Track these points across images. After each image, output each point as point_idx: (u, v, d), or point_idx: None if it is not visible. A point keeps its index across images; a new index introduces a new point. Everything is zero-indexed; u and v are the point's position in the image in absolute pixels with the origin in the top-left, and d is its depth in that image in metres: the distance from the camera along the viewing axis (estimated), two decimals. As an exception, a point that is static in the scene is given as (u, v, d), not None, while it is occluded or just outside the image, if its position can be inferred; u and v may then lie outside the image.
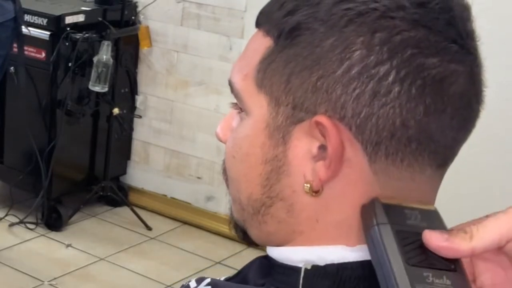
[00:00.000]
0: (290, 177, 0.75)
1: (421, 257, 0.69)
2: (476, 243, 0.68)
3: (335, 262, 0.73)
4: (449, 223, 0.75)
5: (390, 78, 0.70)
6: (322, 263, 0.74)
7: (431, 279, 0.68)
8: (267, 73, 0.75)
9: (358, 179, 0.73)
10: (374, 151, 0.72)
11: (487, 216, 0.72)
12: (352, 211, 0.74)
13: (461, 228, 0.70)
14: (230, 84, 0.79)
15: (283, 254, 0.77)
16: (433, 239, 0.69)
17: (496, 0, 3.04)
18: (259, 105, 0.76)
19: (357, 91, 0.71)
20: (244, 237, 0.83)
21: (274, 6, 0.76)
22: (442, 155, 0.74)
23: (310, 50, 0.72)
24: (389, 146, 0.71)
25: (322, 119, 0.71)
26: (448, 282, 0.69)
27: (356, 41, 0.71)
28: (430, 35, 0.71)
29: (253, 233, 0.81)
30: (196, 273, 3.48)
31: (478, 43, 0.76)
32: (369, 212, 0.72)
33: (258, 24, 0.78)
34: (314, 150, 0.73)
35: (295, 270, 0.75)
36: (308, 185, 0.73)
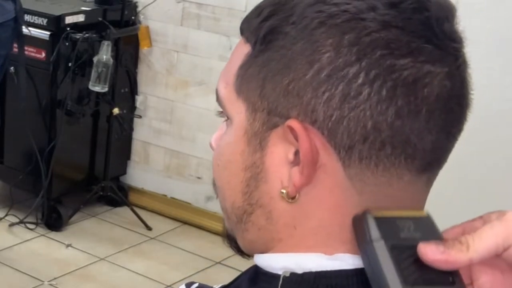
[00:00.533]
0: (267, 184, 0.74)
1: (418, 273, 0.68)
2: (473, 253, 0.68)
3: (313, 270, 0.73)
4: (450, 223, 0.74)
5: (360, 80, 0.69)
6: (300, 271, 0.73)
7: None
8: (244, 79, 0.75)
9: (334, 184, 0.72)
10: (347, 156, 0.71)
11: (481, 217, 0.71)
12: (329, 217, 0.73)
13: (457, 238, 0.69)
14: (216, 93, 0.79)
15: (265, 261, 0.77)
16: (428, 253, 0.68)
17: (498, 1, 3.04)
18: (238, 112, 0.76)
19: (327, 94, 0.70)
20: (236, 246, 0.82)
21: (254, 13, 0.76)
22: (422, 160, 0.72)
23: (282, 54, 0.72)
24: (362, 150, 0.70)
25: (293, 123, 0.71)
26: None
27: (325, 44, 0.70)
28: (401, 36, 0.70)
29: (239, 241, 0.81)
30: (196, 273, 3.48)
31: (460, 44, 0.74)
32: (361, 226, 0.71)
33: (241, 31, 0.78)
34: (290, 155, 0.72)
35: (275, 277, 0.74)
36: (284, 191, 0.73)
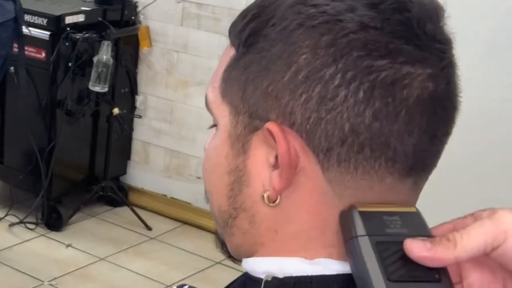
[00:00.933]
0: (250, 187, 0.74)
1: (403, 270, 0.67)
2: (460, 252, 0.66)
3: (293, 275, 0.72)
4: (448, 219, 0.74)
5: (336, 82, 0.68)
6: (281, 275, 0.73)
7: None
8: (228, 82, 0.75)
9: (314, 188, 0.71)
10: (326, 159, 0.70)
11: (472, 215, 0.70)
12: (309, 221, 0.72)
13: (445, 235, 0.68)
14: (205, 97, 0.79)
15: (250, 265, 0.77)
16: (414, 249, 0.67)
17: (498, 1, 3.04)
18: (223, 115, 0.76)
19: (304, 96, 0.69)
20: (226, 251, 0.82)
21: (240, 17, 0.76)
22: (403, 163, 0.70)
23: (262, 56, 0.71)
24: (340, 153, 0.69)
25: (271, 126, 0.70)
26: None
27: (302, 45, 0.69)
28: (379, 37, 0.68)
29: (228, 245, 0.80)
30: (196, 273, 3.48)
31: (446, 45, 0.72)
32: (347, 221, 0.70)
33: (228, 35, 0.78)
34: (271, 158, 0.71)
35: (258, 281, 0.74)
36: (266, 195, 0.72)
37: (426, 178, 0.75)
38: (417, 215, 0.72)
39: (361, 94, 0.68)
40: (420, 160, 0.72)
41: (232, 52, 0.75)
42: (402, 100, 0.69)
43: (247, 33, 0.73)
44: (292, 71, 0.69)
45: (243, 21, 0.74)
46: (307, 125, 0.69)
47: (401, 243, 0.68)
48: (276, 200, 0.72)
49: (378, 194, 0.71)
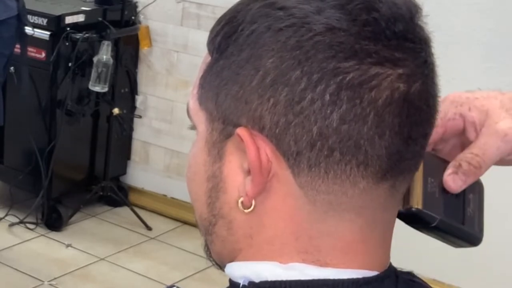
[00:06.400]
0: (226, 194, 0.73)
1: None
2: (483, 172, 0.79)
3: (269, 279, 0.72)
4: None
5: (302, 85, 0.67)
6: (257, 280, 0.72)
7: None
8: (204, 88, 0.75)
9: (287, 193, 0.70)
10: (296, 163, 0.69)
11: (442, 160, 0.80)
12: (283, 227, 0.71)
13: (467, 161, 0.78)
14: (187, 105, 0.79)
15: (229, 270, 0.76)
16: (454, 186, 0.78)
17: (498, 1, 3.04)
18: (200, 122, 0.76)
19: (272, 100, 0.68)
20: (212, 258, 0.81)
21: (216, 23, 0.75)
22: (377, 167, 0.69)
23: (232, 61, 0.71)
24: (310, 157, 0.68)
25: (241, 131, 0.70)
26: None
27: (269, 49, 0.69)
28: (345, 38, 0.67)
29: (211, 253, 0.80)
30: (196, 273, 3.48)
31: (419, 44, 0.70)
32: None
33: (207, 42, 0.77)
34: (245, 164, 0.71)
35: (237, 286, 0.74)
36: (240, 201, 0.72)
37: (406, 181, 0.73)
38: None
39: (327, 96, 0.67)
40: (395, 163, 0.70)
41: (208, 58, 0.75)
42: (370, 102, 0.67)
43: (219, 38, 0.73)
44: (260, 75, 0.69)
45: (217, 27, 0.74)
46: (276, 130, 0.69)
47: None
48: (250, 206, 0.72)
49: (352, 198, 0.70)
